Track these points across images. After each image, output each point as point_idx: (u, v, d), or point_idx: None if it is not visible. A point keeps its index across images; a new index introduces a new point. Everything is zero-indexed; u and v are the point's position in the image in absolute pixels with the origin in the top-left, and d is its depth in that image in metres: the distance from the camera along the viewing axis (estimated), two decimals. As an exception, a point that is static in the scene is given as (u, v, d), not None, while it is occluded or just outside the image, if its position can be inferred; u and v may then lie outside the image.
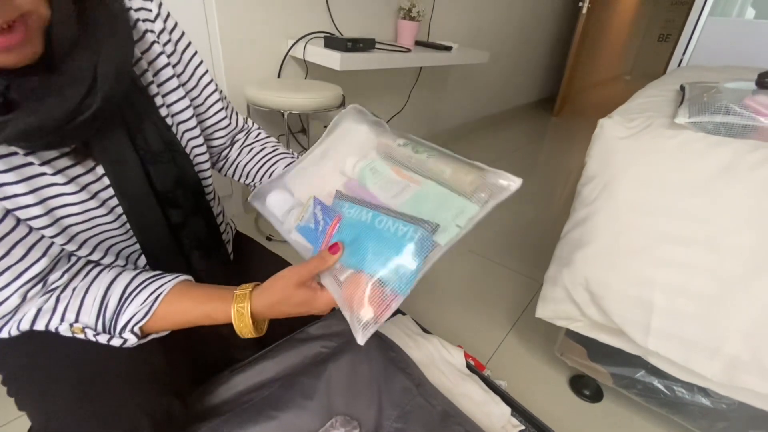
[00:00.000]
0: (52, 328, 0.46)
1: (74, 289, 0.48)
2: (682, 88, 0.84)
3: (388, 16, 1.96)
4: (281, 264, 0.78)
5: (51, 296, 0.46)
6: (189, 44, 0.59)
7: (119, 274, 0.50)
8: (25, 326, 0.46)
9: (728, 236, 0.63)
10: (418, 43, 2.00)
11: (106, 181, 0.49)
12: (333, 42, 1.48)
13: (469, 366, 0.92)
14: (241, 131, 0.73)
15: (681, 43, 2.01)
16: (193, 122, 0.59)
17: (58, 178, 0.44)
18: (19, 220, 0.43)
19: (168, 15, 0.56)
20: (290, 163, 0.69)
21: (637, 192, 0.70)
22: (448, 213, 0.45)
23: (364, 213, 0.49)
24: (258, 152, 0.71)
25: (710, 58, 1.95)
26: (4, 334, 0.46)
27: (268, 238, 1.53)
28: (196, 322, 0.51)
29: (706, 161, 0.64)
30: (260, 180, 0.71)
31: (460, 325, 1.22)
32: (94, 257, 0.52)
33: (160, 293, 0.49)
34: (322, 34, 1.62)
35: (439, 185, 0.48)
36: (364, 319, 0.44)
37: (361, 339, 0.44)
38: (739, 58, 1.85)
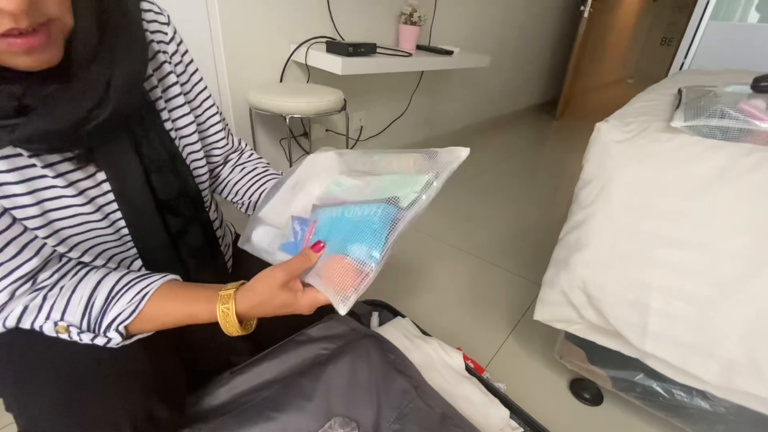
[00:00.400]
0: (36, 326, 0.46)
1: (62, 288, 0.48)
2: (680, 91, 0.85)
3: (389, 20, 1.98)
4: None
5: (38, 294, 0.47)
6: (197, 69, 0.64)
7: (107, 273, 0.51)
8: (10, 323, 0.46)
9: (723, 239, 0.63)
10: (419, 47, 2.01)
11: (104, 187, 0.51)
12: (335, 47, 1.49)
13: (468, 368, 0.93)
14: (235, 151, 0.76)
15: (683, 47, 2.02)
16: (195, 137, 0.62)
17: (59, 181, 0.46)
18: (14, 219, 0.45)
19: (181, 41, 0.60)
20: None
21: (633, 195, 0.70)
22: (404, 189, 0.50)
23: (335, 211, 0.53)
24: (249, 171, 0.74)
25: (712, 62, 1.95)
26: None
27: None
28: (182, 323, 0.51)
29: (702, 164, 0.64)
30: (248, 198, 0.73)
31: (459, 328, 1.22)
32: (85, 260, 0.53)
33: (147, 292, 0.49)
34: (324, 39, 1.64)
35: (392, 175, 0.53)
36: (343, 291, 0.47)
37: (342, 310, 0.46)
38: (742, 62, 1.85)
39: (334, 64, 1.46)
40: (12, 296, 0.45)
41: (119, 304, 0.48)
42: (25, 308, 0.46)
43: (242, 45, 1.43)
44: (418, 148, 0.54)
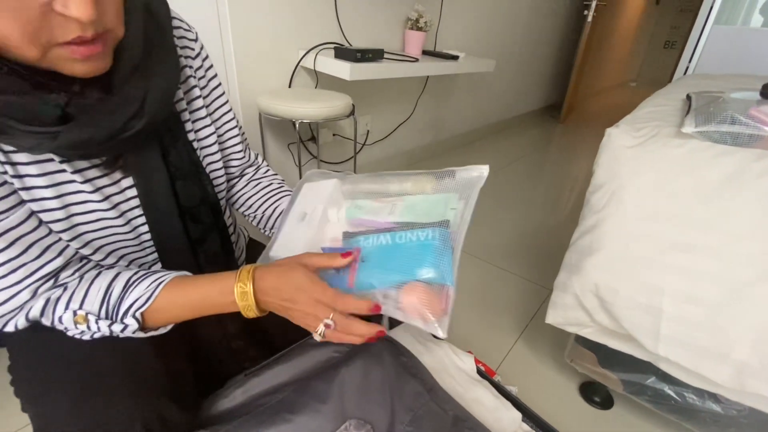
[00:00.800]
0: (56, 317, 0.47)
1: (81, 279, 0.49)
2: (689, 97, 0.85)
3: (396, 26, 2.00)
4: None
5: (59, 288, 0.48)
6: (219, 84, 0.66)
7: (125, 269, 0.52)
8: (34, 314, 0.46)
9: (735, 243, 0.64)
10: (425, 52, 2.02)
11: (128, 193, 0.52)
12: (343, 53, 1.51)
13: (479, 371, 0.93)
14: (251, 165, 0.77)
15: (687, 51, 2.02)
16: (215, 148, 0.64)
17: (86, 186, 0.48)
18: (40, 222, 0.46)
19: (207, 56, 0.62)
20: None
21: (645, 200, 0.71)
22: (439, 208, 0.51)
23: (381, 237, 0.53)
24: (264, 186, 0.75)
25: (716, 66, 1.95)
26: (10, 328, 0.47)
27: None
28: (198, 309, 0.51)
29: (713, 170, 0.65)
30: (261, 212, 0.74)
31: (469, 332, 1.23)
32: (107, 262, 0.54)
33: (163, 280, 0.50)
34: (332, 45, 1.66)
35: (418, 195, 0.55)
36: (436, 315, 0.48)
37: (442, 333, 0.48)
38: (745, 66, 1.85)
39: (343, 69, 1.47)
40: (34, 294, 0.46)
41: (137, 290, 0.49)
42: (47, 301, 0.47)
43: (252, 51, 1.45)
44: (421, 170, 0.56)
